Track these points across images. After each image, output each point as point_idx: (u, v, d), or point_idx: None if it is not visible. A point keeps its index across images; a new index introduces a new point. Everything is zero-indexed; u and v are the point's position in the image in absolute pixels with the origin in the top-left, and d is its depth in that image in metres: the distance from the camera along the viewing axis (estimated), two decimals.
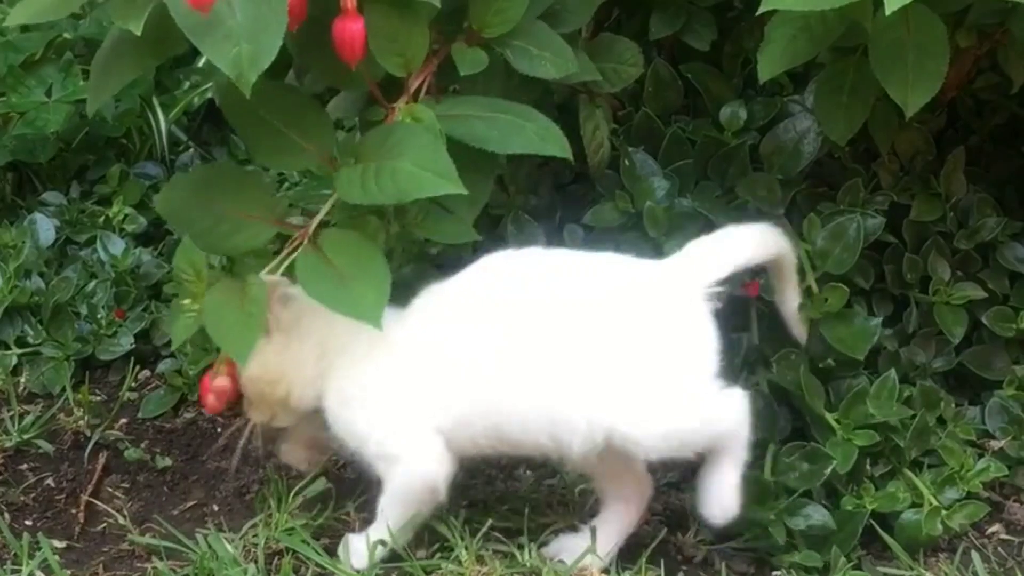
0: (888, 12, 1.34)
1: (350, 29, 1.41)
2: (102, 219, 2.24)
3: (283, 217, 1.51)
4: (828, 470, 1.59)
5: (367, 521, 1.56)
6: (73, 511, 1.71)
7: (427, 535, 1.58)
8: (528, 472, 1.74)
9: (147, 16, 1.34)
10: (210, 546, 1.56)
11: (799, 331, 1.65)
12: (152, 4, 1.34)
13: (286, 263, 1.48)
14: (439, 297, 1.51)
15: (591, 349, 1.45)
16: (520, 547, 1.56)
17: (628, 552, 1.60)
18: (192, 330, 1.44)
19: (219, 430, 1.85)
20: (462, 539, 1.55)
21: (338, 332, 1.49)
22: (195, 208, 1.51)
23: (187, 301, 1.43)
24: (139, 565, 1.60)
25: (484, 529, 1.56)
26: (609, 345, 1.45)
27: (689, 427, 1.47)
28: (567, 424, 1.45)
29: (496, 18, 1.52)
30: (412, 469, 1.49)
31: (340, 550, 1.54)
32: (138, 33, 1.33)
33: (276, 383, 1.50)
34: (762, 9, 1.44)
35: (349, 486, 1.68)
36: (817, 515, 1.58)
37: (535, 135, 1.50)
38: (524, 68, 1.54)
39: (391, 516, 1.51)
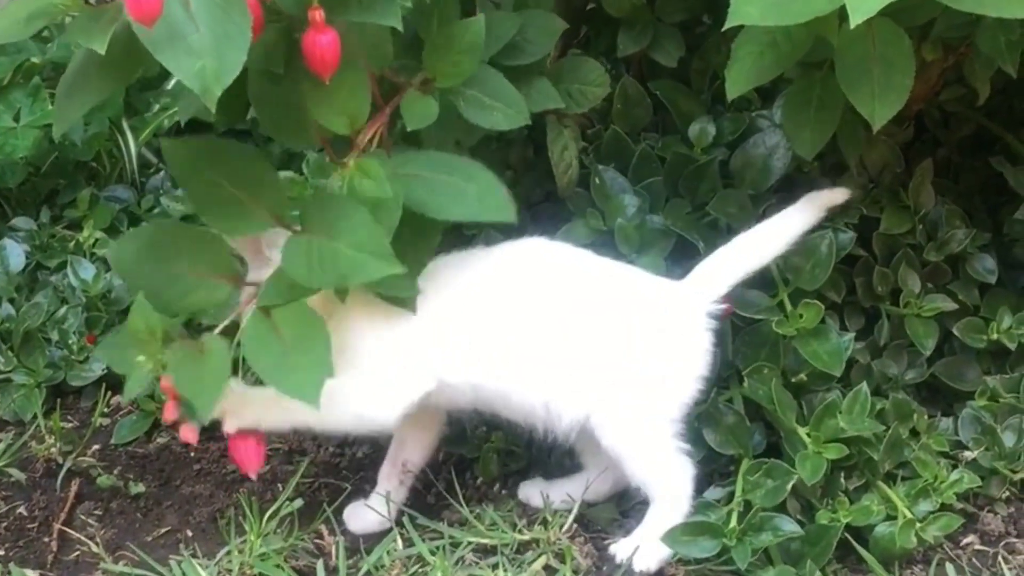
0: (852, 25, 1.34)
1: (320, 41, 1.39)
2: (72, 244, 2.24)
3: (238, 275, 1.50)
4: (790, 485, 1.59)
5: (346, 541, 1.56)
6: (46, 540, 1.70)
7: (404, 556, 1.58)
8: (504, 491, 1.74)
9: (111, 36, 1.33)
10: (184, 573, 1.55)
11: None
12: (116, 23, 1.33)
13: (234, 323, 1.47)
14: (463, 267, 1.59)
15: (586, 347, 1.56)
16: (495, 567, 1.56)
17: (604, 571, 1.60)
18: (143, 385, 1.44)
19: (192, 455, 1.85)
20: (442, 560, 1.55)
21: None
22: (149, 267, 1.48)
23: (142, 358, 1.42)
24: None
25: (460, 551, 1.56)
26: (602, 347, 1.56)
27: (645, 451, 1.59)
28: (557, 406, 1.57)
29: (451, 69, 1.52)
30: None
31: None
32: (102, 52, 1.32)
33: None
34: (728, 25, 1.44)
35: (319, 505, 1.68)
36: (786, 526, 1.58)
37: (475, 199, 1.48)
38: (474, 117, 1.55)
39: None
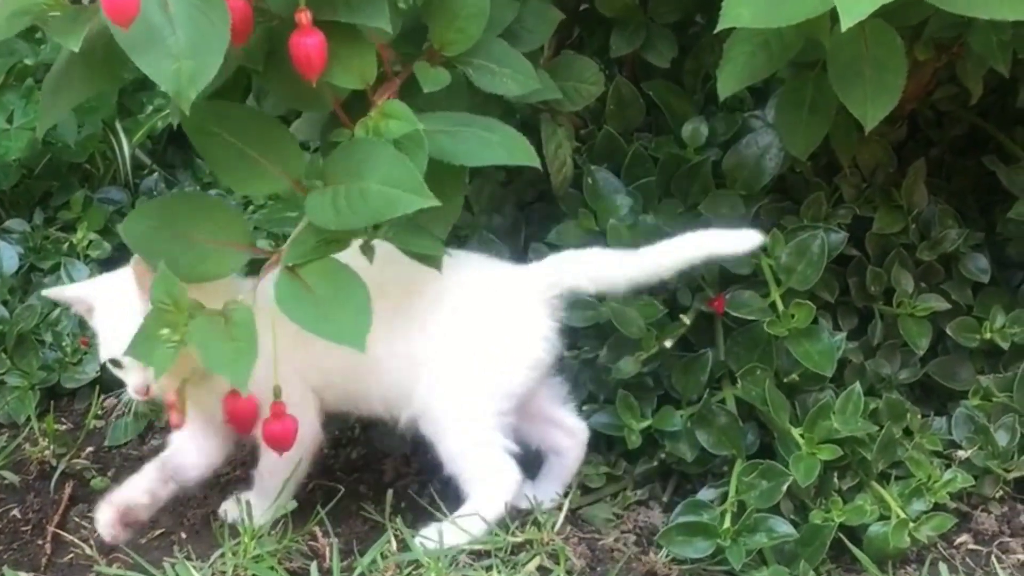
0: (844, 28, 1.34)
1: (306, 44, 1.40)
2: (66, 245, 2.24)
3: (252, 242, 1.50)
4: (785, 486, 1.59)
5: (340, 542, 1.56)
6: (40, 542, 1.70)
7: (398, 558, 1.57)
8: None
9: (94, 36, 1.33)
10: (178, 575, 1.55)
11: None
12: (92, 23, 1.33)
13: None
14: None
15: (411, 336, 1.58)
16: (489, 569, 1.56)
17: (598, 571, 1.60)
18: (173, 359, 1.41)
19: None
20: (436, 562, 1.55)
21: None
22: (162, 237, 1.49)
23: (166, 331, 1.41)
24: None
25: (454, 552, 1.56)
26: (427, 335, 1.58)
27: (459, 444, 1.60)
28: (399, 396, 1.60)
29: (457, 36, 1.52)
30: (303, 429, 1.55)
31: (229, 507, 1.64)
32: (75, 50, 1.32)
33: None
34: (720, 26, 1.45)
35: (313, 506, 1.67)
36: (780, 528, 1.58)
37: (501, 147, 1.50)
38: (486, 85, 1.54)
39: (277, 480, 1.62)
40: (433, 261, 1.53)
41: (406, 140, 1.41)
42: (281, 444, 1.51)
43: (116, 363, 1.57)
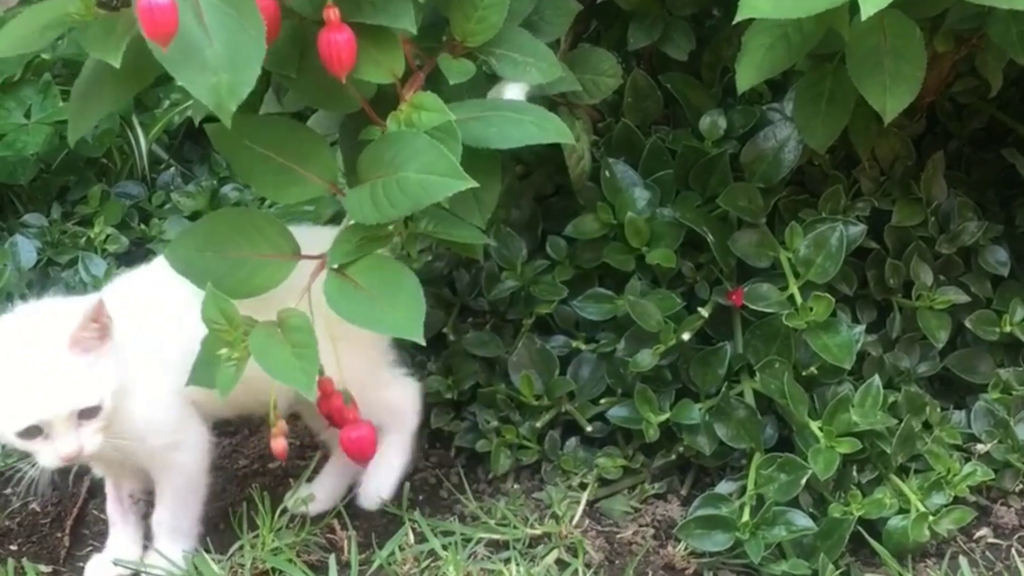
0: (864, 18, 1.34)
1: (336, 40, 1.39)
2: (83, 240, 2.24)
3: (298, 250, 1.50)
4: (804, 480, 1.59)
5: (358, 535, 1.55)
6: (58, 535, 1.70)
7: (416, 551, 1.58)
8: (515, 485, 1.74)
9: (126, 44, 1.33)
10: (196, 568, 1.55)
11: None
12: (130, 36, 1.33)
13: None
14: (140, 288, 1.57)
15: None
16: (507, 561, 1.56)
17: (616, 564, 1.60)
18: (237, 378, 1.40)
19: None
20: (454, 555, 1.55)
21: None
22: (208, 257, 1.48)
23: (224, 351, 1.40)
24: None
25: (472, 546, 1.56)
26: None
27: None
28: None
29: (479, 26, 1.51)
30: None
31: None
32: (117, 66, 1.32)
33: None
34: (739, 18, 1.44)
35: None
36: (799, 521, 1.58)
37: (533, 125, 1.49)
38: (509, 75, 1.54)
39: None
40: (474, 250, 1.53)
41: (438, 131, 1.41)
42: (362, 451, 1.50)
43: (34, 431, 1.42)
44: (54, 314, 1.46)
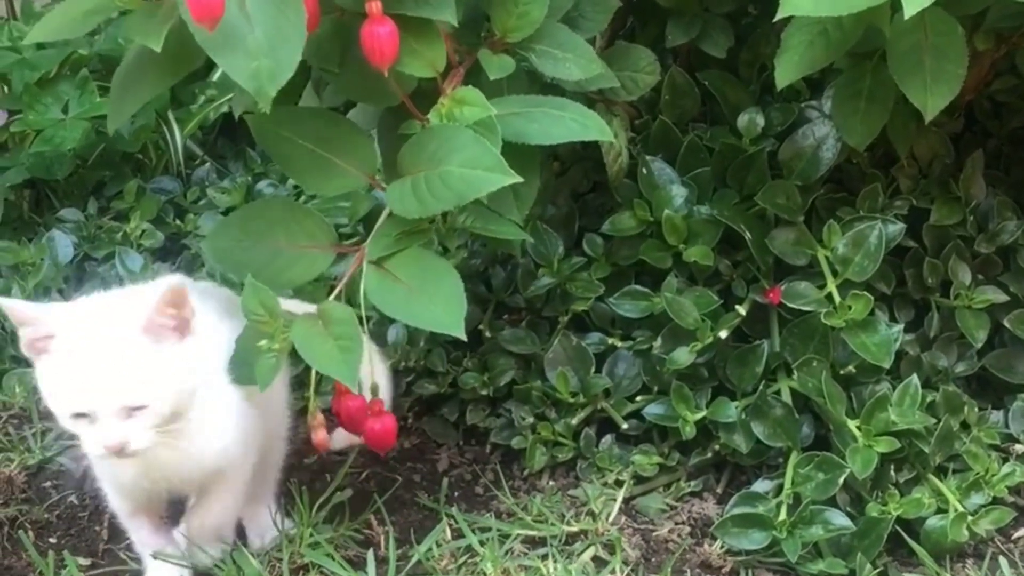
0: (907, 16, 1.33)
1: (379, 33, 1.39)
2: (120, 235, 2.26)
3: (336, 240, 1.50)
4: (842, 479, 1.58)
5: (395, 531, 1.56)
6: (97, 528, 1.71)
7: (453, 547, 1.58)
8: (551, 482, 1.74)
9: (168, 32, 1.34)
10: (235, 561, 1.56)
11: None
12: (171, 20, 1.34)
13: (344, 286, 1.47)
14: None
15: None
16: (544, 558, 1.56)
17: (653, 562, 1.60)
18: (277, 370, 1.41)
19: None
20: (491, 551, 1.55)
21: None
22: (247, 248, 1.49)
23: (264, 343, 1.40)
24: None
25: (509, 542, 1.56)
26: None
27: None
28: None
29: (520, 21, 1.51)
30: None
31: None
32: (158, 50, 1.33)
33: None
34: (780, 15, 1.43)
35: (368, 495, 1.68)
36: (837, 520, 1.57)
37: (574, 122, 1.49)
38: (549, 70, 1.53)
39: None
40: (512, 245, 1.52)
41: (478, 126, 1.41)
42: (384, 442, 1.50)
43: (81, 415, 1.37)
44: (138, 295, 1.42)
